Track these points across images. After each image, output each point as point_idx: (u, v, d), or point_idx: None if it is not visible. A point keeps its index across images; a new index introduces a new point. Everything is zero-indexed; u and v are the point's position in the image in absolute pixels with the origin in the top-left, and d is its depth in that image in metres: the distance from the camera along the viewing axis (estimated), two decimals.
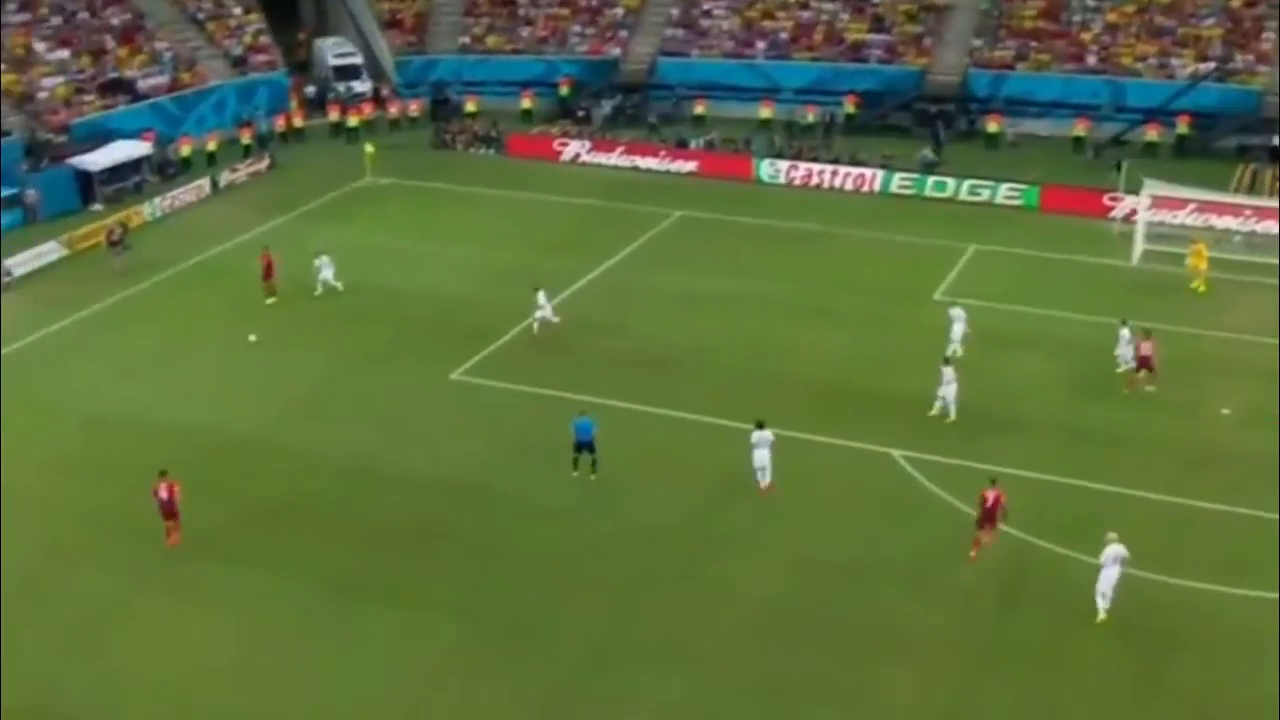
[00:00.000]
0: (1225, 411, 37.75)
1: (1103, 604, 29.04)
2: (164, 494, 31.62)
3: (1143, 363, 38.65)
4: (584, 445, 34.48)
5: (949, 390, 37.47)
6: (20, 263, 50.91)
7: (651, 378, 40.49)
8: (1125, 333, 39.89)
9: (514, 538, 32.53)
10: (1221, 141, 62.02)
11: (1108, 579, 28.90)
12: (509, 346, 43.12)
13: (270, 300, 46.80)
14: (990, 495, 30.86)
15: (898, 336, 43.23)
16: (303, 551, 32.12)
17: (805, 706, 26.69)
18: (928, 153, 59.42)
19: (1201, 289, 46.37)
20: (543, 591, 30.43)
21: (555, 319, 43.29)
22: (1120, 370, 39.70)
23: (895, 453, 35.86)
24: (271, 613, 29.88)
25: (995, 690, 27.15)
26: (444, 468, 35.78)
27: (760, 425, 34.23)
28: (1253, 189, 56.31)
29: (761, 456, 34.21)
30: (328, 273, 46.92)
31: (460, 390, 40.42)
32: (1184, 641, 28.40)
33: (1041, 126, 65.38)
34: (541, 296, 43.14)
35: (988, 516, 30.93)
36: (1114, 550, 28.87)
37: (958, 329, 41.02)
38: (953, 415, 37.49)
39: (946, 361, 38.39)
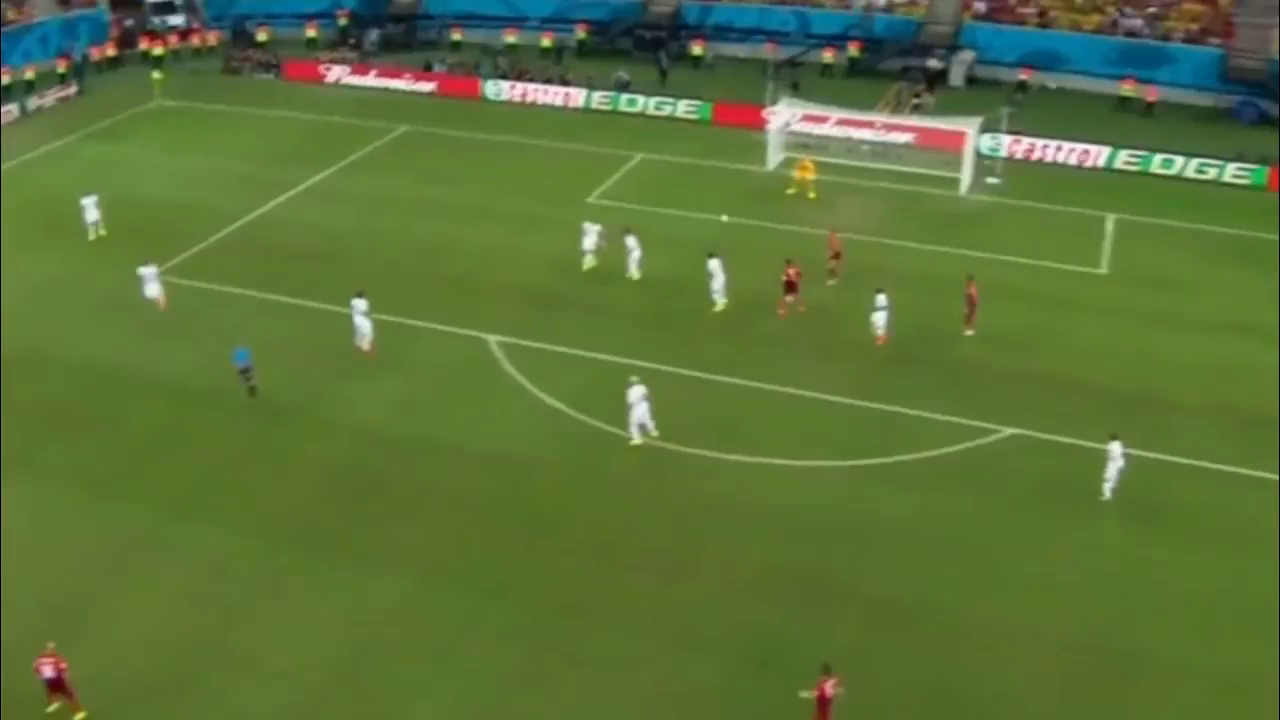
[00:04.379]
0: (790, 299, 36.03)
1: (638, 434, 28.59)
2: None
3: (970, 303, 33.46)
4: (242, 371, 31.04)
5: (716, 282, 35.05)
6: None
7: (323, 272, 37.77)
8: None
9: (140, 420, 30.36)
10: (888, 63, 59.53)
11: (640, 414, 28.47)
12: (212, 249, 40.15)
13: None
14: (793, 271, 34.64)
15: (538, 234, 40.81)
16: None
17: (325, 559, 25.22)
18: (622, 74, 56.33)
19: (812, 195, 43.91)
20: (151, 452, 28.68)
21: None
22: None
23: (491, 338, 33.79)
24: None
25: (492, 546, 25.62)
26: (104, 353, 33.33)
27: (360, 294, 32.83)
28: (898, 107, 54.15)
29: (362, 323, 32.74)
30: (93, 214, 41.15)
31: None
32: (665, 503, 26.93)
33: (741, 50, 62.46)
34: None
35: (790, 287, 34.58)
36: (637, 390, 28.49)
37: (590, 240, 37.98)
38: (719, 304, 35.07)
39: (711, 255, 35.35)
